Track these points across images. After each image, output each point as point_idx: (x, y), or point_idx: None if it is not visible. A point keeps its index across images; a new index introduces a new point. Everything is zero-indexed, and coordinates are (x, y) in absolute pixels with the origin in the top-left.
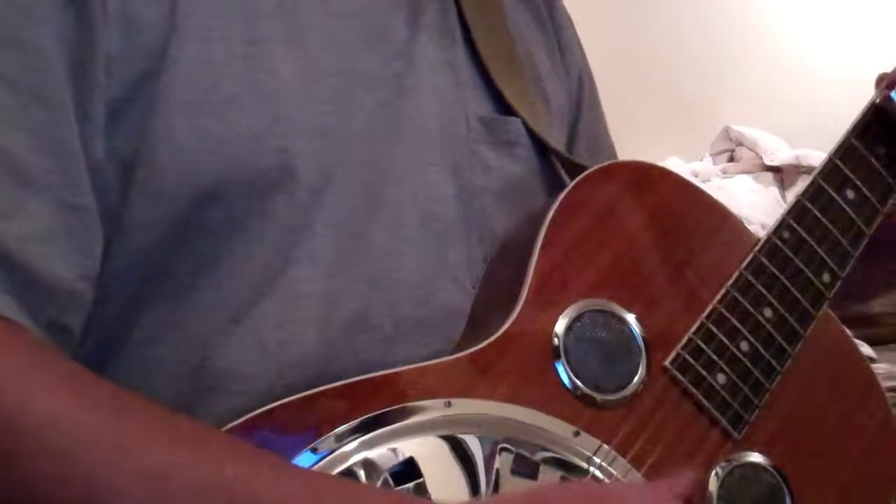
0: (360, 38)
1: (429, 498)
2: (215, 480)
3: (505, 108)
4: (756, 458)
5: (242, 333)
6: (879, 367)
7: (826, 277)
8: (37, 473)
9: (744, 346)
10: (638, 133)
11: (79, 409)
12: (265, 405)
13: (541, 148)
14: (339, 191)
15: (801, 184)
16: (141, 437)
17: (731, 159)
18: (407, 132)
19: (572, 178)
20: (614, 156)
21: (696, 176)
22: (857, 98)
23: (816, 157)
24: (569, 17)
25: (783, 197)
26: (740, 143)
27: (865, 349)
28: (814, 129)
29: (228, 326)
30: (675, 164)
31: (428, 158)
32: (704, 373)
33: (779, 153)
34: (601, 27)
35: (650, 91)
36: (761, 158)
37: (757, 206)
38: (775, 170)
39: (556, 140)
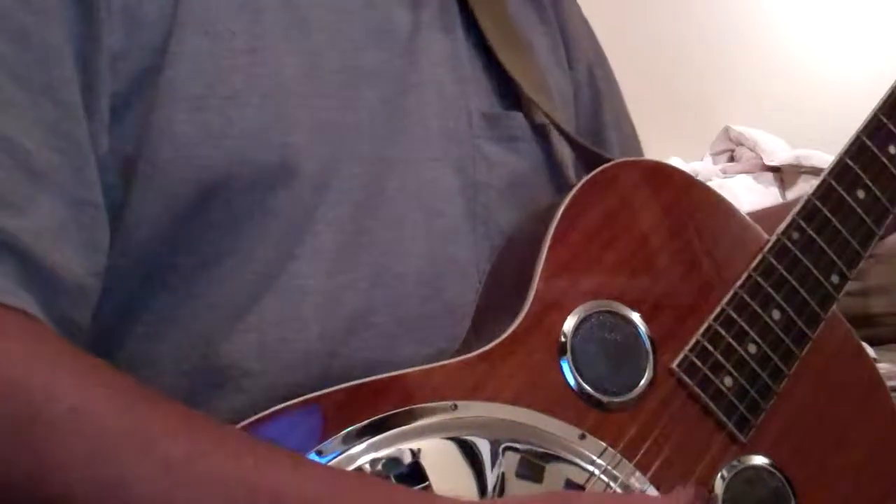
0: (363, 33)
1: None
2: (238, 469)
3: (509, 100)
4: (761, 460)
5: (244, 330)
6: (880, 368)
7: (835, 279)
8: (65, 460)
9: (752, 348)
10: (638, 133)
11: (104, 399)
12: (267, 402)
13: (545, 142)
14: (342, 187)
15: (801, 184)
16: (165, 427)
17: (731, 159)
18: (410, 128)
19: (585, 166)
20: (634, 134)
21: (696, 176)
22: (858, 98)
23: (816, 157)
24: (575, 4)
25: (783, 197)
26: (740, 143)
27: (866, 349)
28: (814, 129)
29: (230, 323)
30: (676, 164)
31: (431, 154)
32: (712, 375)
33: (779, 153)
34: (601, 27)
35: (650, 91)
36: (761, 158)
37: (757, 206)
38: (775, 170)
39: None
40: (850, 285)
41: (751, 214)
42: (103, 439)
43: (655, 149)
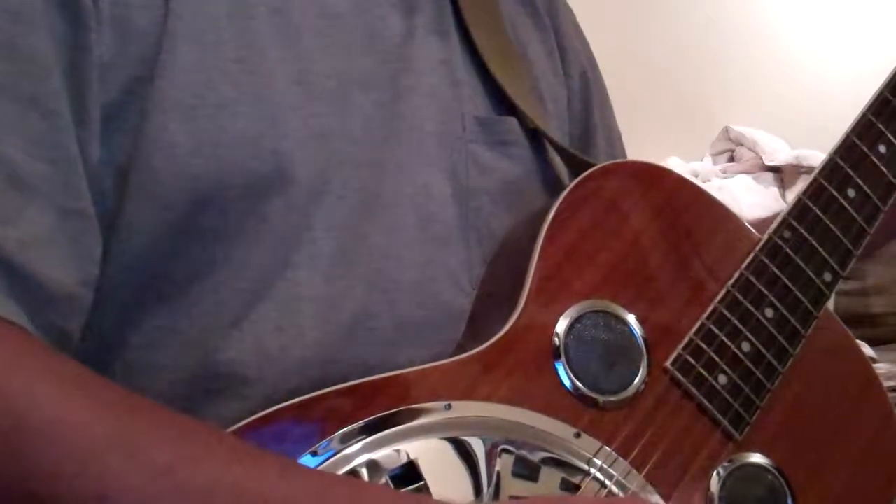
0: (355, 39)
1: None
2: (224, 477)
3: (503, 106)
4: (757, 458)
5: (242, 337)
6: (879, 367)
7: (827, 277)
8: (49, 472)
9: (745, 346)
10: (638, 133)
11: (88, 409)
12: (265, 409)
13: (538, 147)
14: (338, 193)
15: (801, 184)
16: (150, 436)
17: (731, 159)
18: (404, 133)
19: (575, 174)
20: (619, 137)
21: (696, 176)
22: (857, 98)
23: (816, 157)
24: (570, 12)
25: (783, 197)
26: (740, 143)
27: (865, 349)
28: (814, 129)
29: (227, 330)
30: (675, 164)
31: (425, 159)
32: (706, 373)
33: (779, 153)
34: (601, 28)
35: (650, 91)
36: (761, 158)
37: (757, 206)
38: (775, 170)
39: (558, 137)
40: (850, 285)
41: (752, 223)
42: (87, 449)
43: (655, 149)
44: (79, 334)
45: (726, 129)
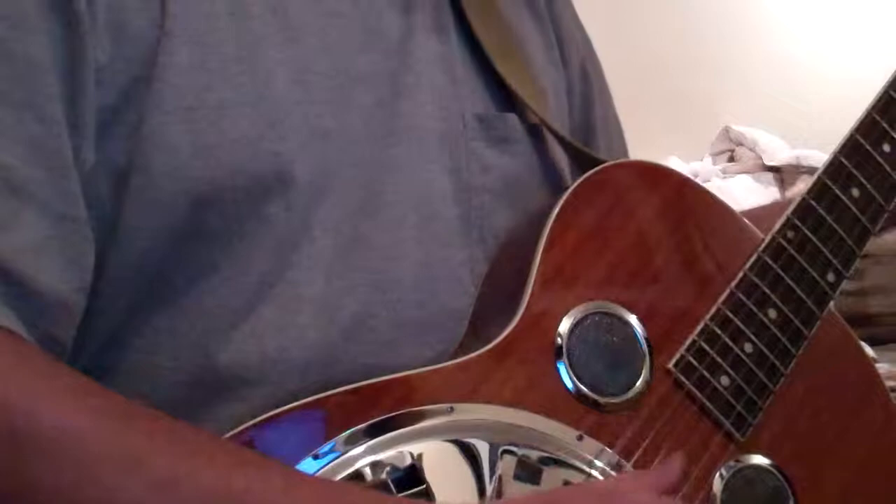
0: (354, 37)
1: (434, 502)
2: (226, 489)
3: (504, 102)
4: (760, 459)
5: (242, 339)
6: (879, 367)
7: (831, 277)
8: (48, 483)
9: (748, 347)
10: (638, 133)
11: (87, 419)
12: (267, 410)
13: (539, 143)
14: (338, 193)
15: (801, 184)
16: (150, 447)
17: (731, 159)
18: (405, 131)
19: (578, 167)
20: (621, 132)
21: (696, 176)
22: (857, 98)
23: (816, 157)
24: (568, 2)
25: (783, 197)
26: (740, 143)
27: (865, 349)
28: (814, 129)
29: (228, 332)
30: (675, 164)
31: (426, 158)
32: (708, 375)
33: (779, 153)
34: (600, 27)
35: (650, 91)
36: (761, 158)
37: (757, 206)
38: (775, 170)
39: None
40: (848, 285)
41: (747, 213)
42: (88, 461)
43: (655, 149)
44: (70, 342)
45: (726, 129)
